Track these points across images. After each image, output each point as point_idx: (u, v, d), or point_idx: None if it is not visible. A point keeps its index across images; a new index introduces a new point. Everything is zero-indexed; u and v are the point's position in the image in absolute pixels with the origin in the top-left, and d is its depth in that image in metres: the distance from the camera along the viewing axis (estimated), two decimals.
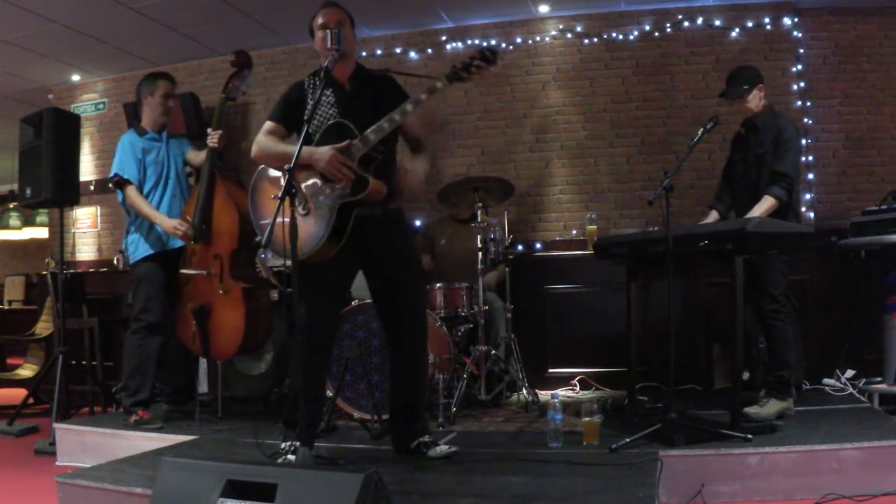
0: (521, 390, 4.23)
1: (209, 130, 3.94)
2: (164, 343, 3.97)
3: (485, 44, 5.46)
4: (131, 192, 3.93)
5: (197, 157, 4.10)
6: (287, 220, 2.48)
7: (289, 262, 2.51)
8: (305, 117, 2.76)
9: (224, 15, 5.19)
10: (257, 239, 3.44)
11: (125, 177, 3.92)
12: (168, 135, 4.14)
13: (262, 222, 2.99)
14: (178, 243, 3.98)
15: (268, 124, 3.00)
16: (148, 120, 4.09)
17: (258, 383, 4.74)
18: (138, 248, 4.00)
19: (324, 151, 2.78)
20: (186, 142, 4.26)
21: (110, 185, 4.08)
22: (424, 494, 2.46)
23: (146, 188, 3.99)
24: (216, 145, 3.89)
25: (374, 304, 3.21)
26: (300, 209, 2.71)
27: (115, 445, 3.64)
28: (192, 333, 3.87)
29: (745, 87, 3.61)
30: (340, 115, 2.89)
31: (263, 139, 2.96)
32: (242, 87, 4.10)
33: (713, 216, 3.82)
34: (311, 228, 2.82)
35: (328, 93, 2.94)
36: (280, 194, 2.47)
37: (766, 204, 3.46)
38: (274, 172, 3.00)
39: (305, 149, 2.72)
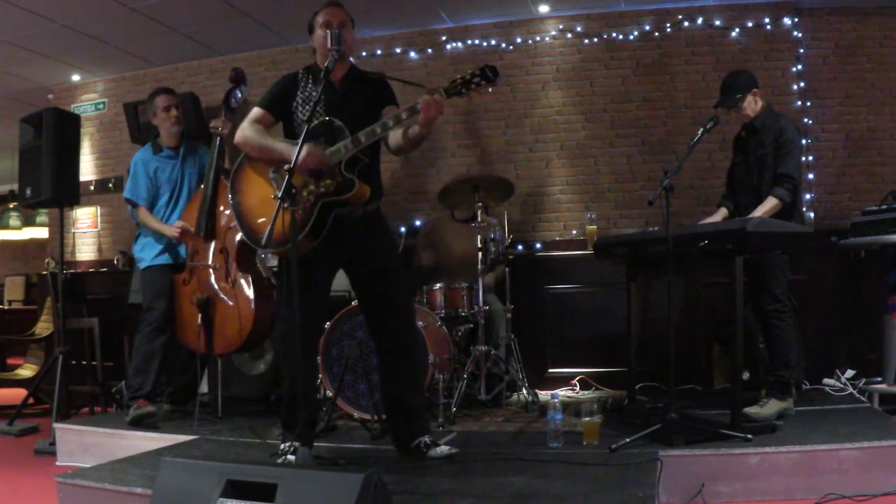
0: (521, 390, 4.23)
1: (212, 122, 4.06)
2: (170, 343, 3.98)
3: (485, 44, 5.47)
4: (142, 213, 4.10)
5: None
6: (279, 217, 2.54)
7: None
8: (305, 118, 2.76)
9: (224, 15, 5.18)
10: (231, 226, 3.43)
11: (136, 201, 4.09)
12: (188, 147, 4.22)
13: (246, 219, 2.99)
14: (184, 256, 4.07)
15: (255, 111, 3.04)
16: (163, 136, 4.19)
17: (258, 383, 4.75)
18: (146, 256, 4.10)
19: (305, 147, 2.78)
20: (207, 149, 4.24)
21: (129, 207, 4.25)
22: (424, 494, 2.47)
23: (159, 204, 4.12)
24: (220, 131, 4.00)
25: (358, 305, 3.19)
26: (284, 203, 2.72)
27: (115, 445, 3.64)
28: (197, 328, 3.88)
29: (739, 95, 3.61)
30: (326, 113, 2.90)
31: (248, 128, 3.00)
32: (239, 101, 4.26)
33: (722, 213, 3.81)
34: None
35: (318, 90, 2.92)
36: (280, 193, 2.50)
37: (769, 205, 3.47)
38: (256, 163, 3.02)
39: (285, 147, 2.83)
